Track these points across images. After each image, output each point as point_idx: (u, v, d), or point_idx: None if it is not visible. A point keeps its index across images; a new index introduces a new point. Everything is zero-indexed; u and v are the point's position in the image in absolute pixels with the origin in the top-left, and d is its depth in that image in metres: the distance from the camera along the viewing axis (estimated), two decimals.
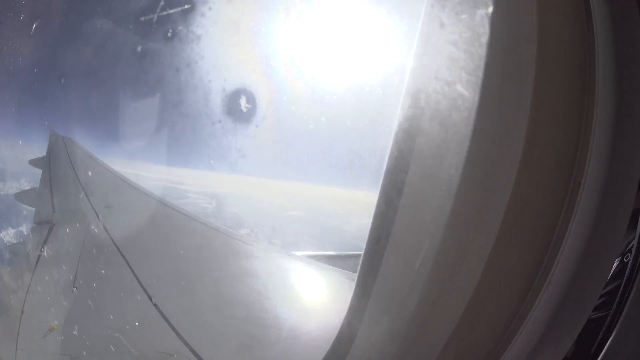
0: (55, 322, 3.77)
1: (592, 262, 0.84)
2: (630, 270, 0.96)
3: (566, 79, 0.82)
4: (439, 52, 0.83)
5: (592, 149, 0.81)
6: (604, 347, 0.93)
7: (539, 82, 0.77)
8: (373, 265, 0.94)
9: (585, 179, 0.81)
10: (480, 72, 0.75)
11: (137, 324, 3.65)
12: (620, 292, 0.94)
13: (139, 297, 4.05)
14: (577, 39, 0.82)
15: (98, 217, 5.12)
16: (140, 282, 4.28)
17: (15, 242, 5.73)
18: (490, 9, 0.76)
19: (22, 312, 4.03)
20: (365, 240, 0.96)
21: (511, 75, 0.77)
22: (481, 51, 0.76)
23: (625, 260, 0.97)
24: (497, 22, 0.75)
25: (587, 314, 0.88)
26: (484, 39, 0.76)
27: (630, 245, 0.98)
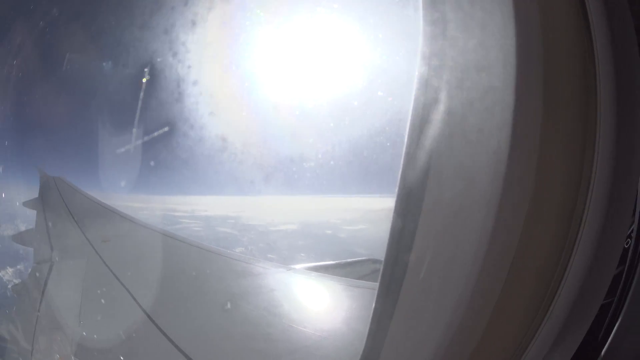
0: (61, 357, 3.80)
1: (603, 254, 0.86)
2: (631, 256, 0.98)
3: (570, 79, 0.85)
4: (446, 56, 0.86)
5: (599, 146, 0.84)
6: (611, 333, 0.95)
7: (548, 87, 0.81)
8: (396, 271, 0.95)
9: (594, 177, 0.84)
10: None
11: (145, 352, 3.66)
12: (623, 278, 0.97)
13: (145, 327, 4.06)
14: (577, 40, 0.86)
15: (96, 253, 5.14)
16: (145, 311, 4.29)
17: (16, 281, 5.78)
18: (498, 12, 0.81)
19: (32, 349, 4.06)
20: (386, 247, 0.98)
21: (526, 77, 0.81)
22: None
23: (626, 246, 0.98)
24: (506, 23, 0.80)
25: (599, 303, 0.90)
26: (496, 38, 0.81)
27: (630, 231, 1.00)
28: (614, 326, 0.95)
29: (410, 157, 0.89)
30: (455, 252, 0.87)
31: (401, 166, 0.90)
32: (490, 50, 0.83)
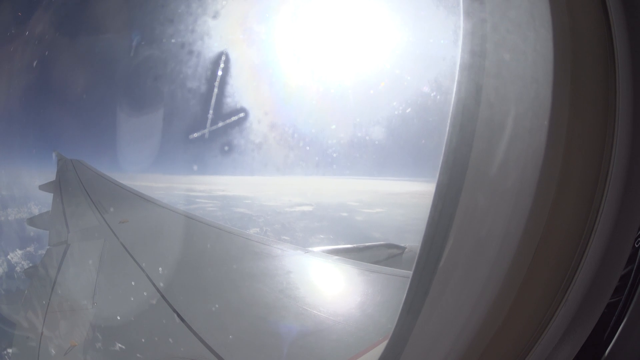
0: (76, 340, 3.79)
1: (613, 254, 0.88)
2: None
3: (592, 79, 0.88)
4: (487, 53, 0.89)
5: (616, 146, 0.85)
6: (617, 331, 0.96)
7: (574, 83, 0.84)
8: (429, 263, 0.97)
9: (609, 183, 0.86)
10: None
11: (159, 333, 3.65)
12: (632, 278, 0.96)
13: (160, 307, 4.06)
14: (600, 44, 0.87)
15: (114, 233, 5.18)
16: (160, 292, 4.30)
17: (24, 263, 5.81)
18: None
19: (42, 332, 4.07)
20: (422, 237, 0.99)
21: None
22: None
23: (637, 246, 0.97)
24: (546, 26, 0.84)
25: (606, 301, 0.91)
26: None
27: None
28: (620, 324, 0.96)
29: (450, 151, 0.92)
30: (487, 243, 0.90)
31: (441, 160, 0.93)
32: (527, 52, 0.87)
